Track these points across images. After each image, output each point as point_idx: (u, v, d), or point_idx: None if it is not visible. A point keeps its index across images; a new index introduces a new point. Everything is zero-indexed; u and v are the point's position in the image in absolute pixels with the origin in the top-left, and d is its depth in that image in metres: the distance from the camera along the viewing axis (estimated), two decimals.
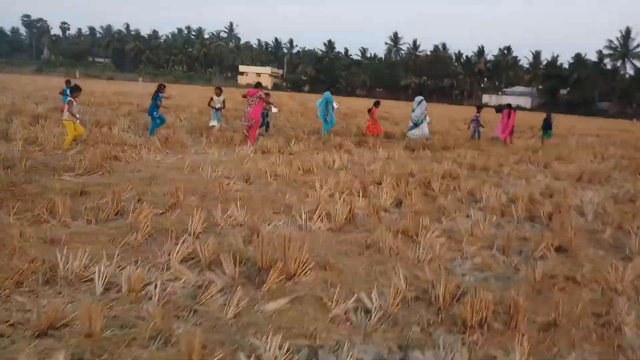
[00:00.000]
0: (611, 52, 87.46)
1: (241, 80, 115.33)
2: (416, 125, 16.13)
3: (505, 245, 5.31)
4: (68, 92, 15.16)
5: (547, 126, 18.46)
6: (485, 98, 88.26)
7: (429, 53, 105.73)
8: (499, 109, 17.45)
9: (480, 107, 17.73)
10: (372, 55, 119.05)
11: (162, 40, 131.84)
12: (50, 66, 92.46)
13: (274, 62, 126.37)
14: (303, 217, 5.59)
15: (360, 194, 7.03)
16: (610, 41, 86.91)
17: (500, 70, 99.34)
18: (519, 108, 76.76)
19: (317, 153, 11.50)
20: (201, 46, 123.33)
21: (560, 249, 5.48)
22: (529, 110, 77.87)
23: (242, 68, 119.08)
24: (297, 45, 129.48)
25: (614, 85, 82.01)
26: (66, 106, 9.49)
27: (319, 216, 5.58)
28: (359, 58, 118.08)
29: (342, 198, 6.71)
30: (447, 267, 4.68)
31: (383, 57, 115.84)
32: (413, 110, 16.24)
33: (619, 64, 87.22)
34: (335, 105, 15.87)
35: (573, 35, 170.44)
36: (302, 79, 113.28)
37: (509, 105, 17.16)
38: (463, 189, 8.13)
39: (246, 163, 9.03)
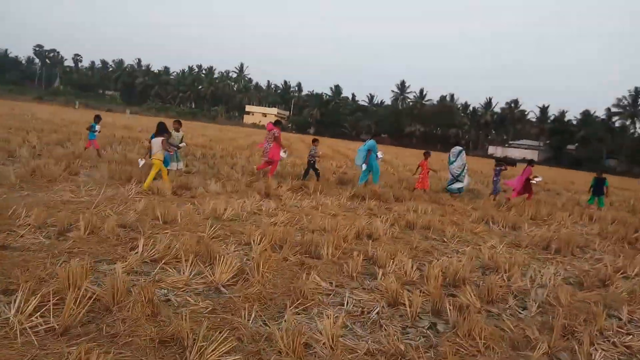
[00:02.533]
0: (620, 110, 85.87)
1: (247, 119, 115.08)
2: (456, 179, 14.07)
3: None
4: (96, 127, 13.23)
5: (598, 190, 15.12)
6: (491, 149, 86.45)
7: (435, 102, 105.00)
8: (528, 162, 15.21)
9: (501, 160, 15.51)
10: (380, 102, 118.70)
11: (172, 77, 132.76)
12: (51, 95, 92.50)
13: (281, 104, 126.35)
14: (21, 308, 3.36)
15: (190, 264, 4.78)
16: (619, 99, 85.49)
17: (506, 122, 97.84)
18: (525, 161, 75.24)
19: (231, 197, 9.37)
20: (209, 85, 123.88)
21: None
22: (536, 163, 75.73)
23: (248, 108, 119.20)
24: (304, 89, 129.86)
25: (622, 143, 79.79)
26: (161, 145, 9.32)
27: (45, 307, 3.35)
28: (366, 104, 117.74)
29: (157, 267, 4.53)
30: None
31: (389, 103, 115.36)
32: (450, 163, 14.19)
33: (627, 122, 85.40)
34: (379, 154, 14.20)
35: (581, 91, 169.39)
36: (308, 121, 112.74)
37: (531, 162, 15.07)
38: (366, 258, 5.89)
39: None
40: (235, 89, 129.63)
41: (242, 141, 31.58)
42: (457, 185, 14.03)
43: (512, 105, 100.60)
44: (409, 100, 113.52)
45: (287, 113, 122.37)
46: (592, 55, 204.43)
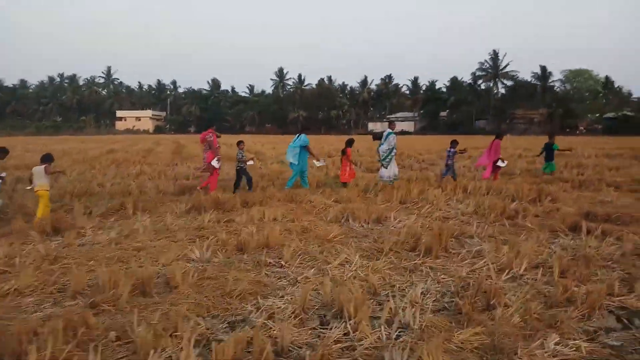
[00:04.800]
0: (483, 73, 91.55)
1: (119, 126, 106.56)
2: (381, 163, 12.56)
3: None
4: None
5: (548, 155, 14.28)
6: (371, 126, 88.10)
7: (314, 86, 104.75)
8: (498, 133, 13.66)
9: (455, 141, 13.18)
10: (260, 92, 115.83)
11: (30, 90, 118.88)
12: None
13: (157, 104, 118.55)
14: None
15: None
16: (482, 63, 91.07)
17: (383, 98, 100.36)
18: (403, 133, 76.97)
19: None
20: (73, 93, 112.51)
21: None
22: (413, 134, 78.34)
23: (119, 113, 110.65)
24: (180, 86, 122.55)
25: (488, 104, 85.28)
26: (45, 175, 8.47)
27: None
28: (247, 95, 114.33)
29: None
30: None
31: (271, 92, 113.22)
32: (380, 146, 12.54)
33: (491, 84, 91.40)
34: (320, 162, 12.75)
35: (448, 60, 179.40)
36: (187, 119, 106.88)
37: (499, 134, 13.46)
38: (127, 342, 3.53)
39: None
40: (104, 94, 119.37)
41: (94, 152, 27.44)
42: (383, 172, 12.45)
43: (387, 80, 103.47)
44: (289, 87, 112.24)
45: (163, 114, 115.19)
46: (454, 25, 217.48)
